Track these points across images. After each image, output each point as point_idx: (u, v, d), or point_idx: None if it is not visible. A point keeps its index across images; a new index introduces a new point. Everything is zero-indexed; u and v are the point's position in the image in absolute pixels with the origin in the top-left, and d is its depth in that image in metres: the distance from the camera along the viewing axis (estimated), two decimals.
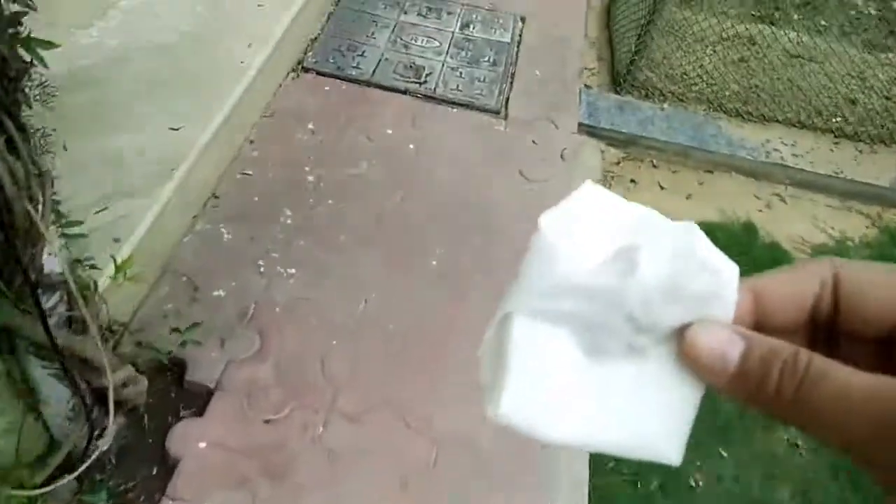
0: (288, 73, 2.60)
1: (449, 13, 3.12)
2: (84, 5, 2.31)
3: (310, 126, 2.42)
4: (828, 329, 0.30)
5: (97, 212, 1.72)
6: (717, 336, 0.28)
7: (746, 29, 3.25)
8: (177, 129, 1.98)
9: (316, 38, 2.81)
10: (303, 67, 2.65)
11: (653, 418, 0.30)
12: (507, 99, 2.72)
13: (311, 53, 2.73)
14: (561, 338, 0.29)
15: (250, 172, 2.22)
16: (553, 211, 0.29)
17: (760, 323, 0.30)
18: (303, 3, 2.66)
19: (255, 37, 2.39)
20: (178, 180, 1.86)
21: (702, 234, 0.29)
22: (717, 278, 0.28)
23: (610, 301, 0.29)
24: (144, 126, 1.96)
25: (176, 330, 1.75)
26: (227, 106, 2.16)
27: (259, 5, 2.52)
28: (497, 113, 2.65)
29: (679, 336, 0.29)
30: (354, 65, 2.71)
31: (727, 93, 2.96)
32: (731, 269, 0.29)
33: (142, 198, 1.79)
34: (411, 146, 2.44)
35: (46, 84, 1.15)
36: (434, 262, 2.07)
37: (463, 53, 2.91)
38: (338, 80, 2.64)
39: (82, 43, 2.18)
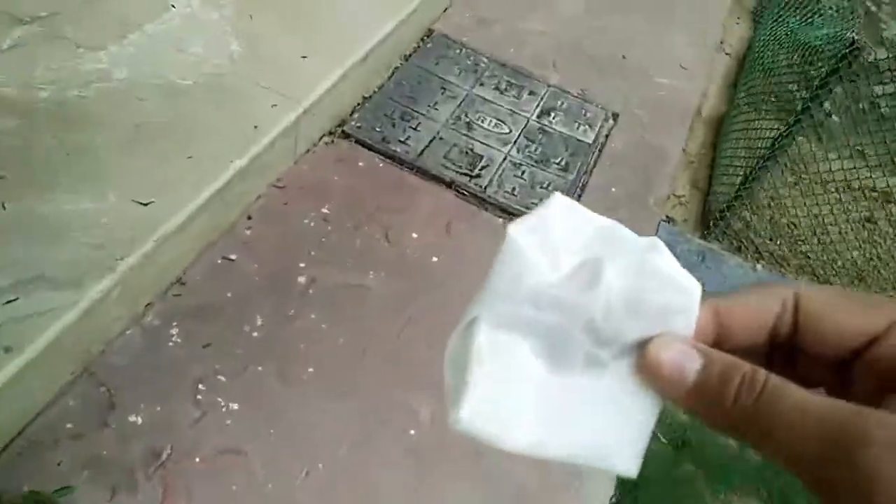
0: (322, 136, 2.24)
1: (531, 93, 2.69)
2: (105, 22, 2.01)
3: (324, 209, 2.04)
4: (786, 350, 0.30)
5: (5, 303, 1.39)
6: (676, 350, 0.29)
7: (885, 182, 2.67)
8: (145, 205, 1.63)
9: (370, 97, 2.44)
10: (343, 131, 2.28)
11: (611, 429, 0.30)
12: None
13: (356, 115, 2.35)
14: (523, 346, 0.30)
15: (233, 257, 1.86)
16: (522, 220, 0.29)
17: (721, 341, 0.30)
18: (362, 55, 2.29)
19: (287, 93, 2.03)
20: (121, 274, 1.52)
21: (667, 251, 0.30)
22: (679, 295, 0.29)
23: (573, 312, 0.29)
24: (108, 191, 1.63)
25: (60, 465, 1.40)
26: (228, 175, 1.81)
27: (303, 56, 2.17)
28: None
29: (640, 350, 0.30)
30: (403, 138, 2.32)
31: (841, 262, 2.41)
32: (693, 286, 0.30)
33: (68, 290, 1.45)
34: (435, 259, 2.03)
35: None
36: (413, 432, 1.65)
37: (532, 147, 2.47)
38: (377, 156, 2.25)
39: (85, 68, 1.88)
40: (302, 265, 1.89)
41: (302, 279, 1.86)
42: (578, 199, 2.34)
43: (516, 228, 0.29)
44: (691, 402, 0.29)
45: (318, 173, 2.15)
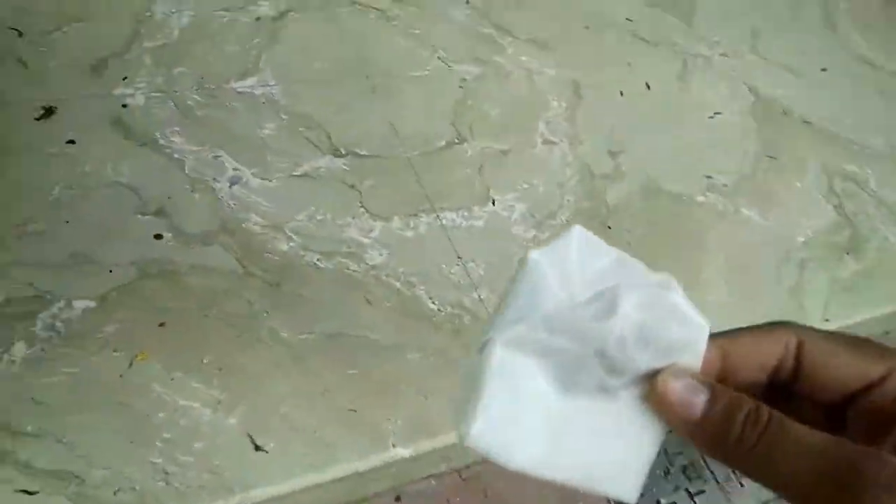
0: None
1: None
2: None
3: None
4: (785, 388, 0.32)
5: None
6: (683, 383, 0.30)
7: None
8: None
9: None
10: None
11: (614, 456, 0.31)
12: None
13: None
14: (535, 369, 0.31)
15: None
16: (542, 248, 0.31)
17: (723, 378, 0.31)
18: None
19: None
20: None
21: (679, 288, 0.31)
22: (689, 330, 0.30)
23: (586, 339, 0.30)
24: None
25: None
26: None
27: None
28: None
29: (648, 380, 0.31)
30: None
31: None
32: (702, 323, 0.30)
33: None
34: None
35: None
36: None
37: None
38: None
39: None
40: None
41: None
42: None
43: (535, 255, 0.31)
44: (696, 433, 0.30)
45: None
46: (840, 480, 0.25)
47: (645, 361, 0.30)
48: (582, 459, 0.31)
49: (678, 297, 0.31)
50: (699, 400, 0.29)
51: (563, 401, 0.31)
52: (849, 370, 0.30)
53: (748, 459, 0.28)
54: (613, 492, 0.31)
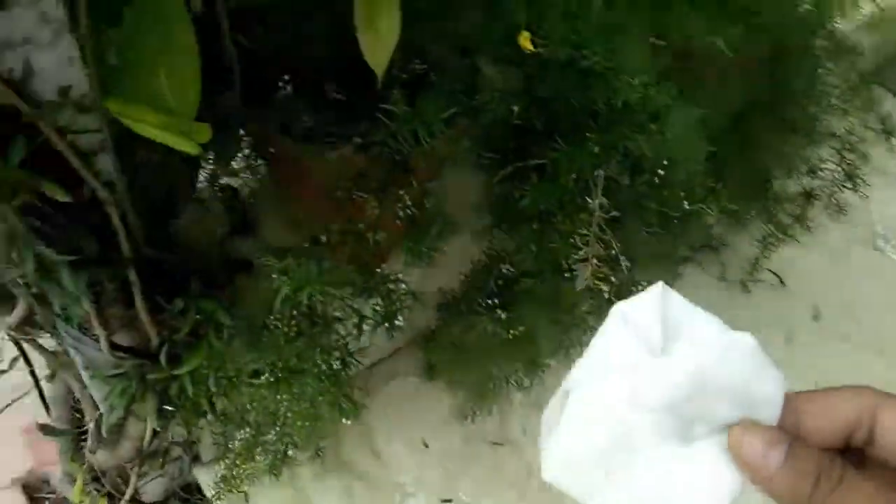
0: None
1: None
2: None
3: None
4: (861, 453, 0.32)
5: None
6: (763, 436, 0.31)
7: None
8: None
9: None
10: None
11: (691, 500, 0.31)
12: None
13: None
14: (613, 417, 0.32)
15: None
16: (628, 301, 0.33)
17: (800, 437, 0.32)
18: None
19: None
20: None
21: (757, 344, 0.32)
22: (768, 385, 0.32)
23: (664, 390, 0.31)
24: None
25: None
26: None
27: None
28: None
29: (725, 431, 0.32)
30: None
31: None
32: (780, 378, 0.32)
33: None
34: None
35: None
36: None
37: None
38: None
39: None
40: None
41: None
42: None
43: (621, 307, 0.33)
44: (772, 486, 0.30)
45: None
46: None
47: (723, 412, 0.31)
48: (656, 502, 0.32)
49: (757, 352, 0.32)
50: (777, 453, 0.30)
51: (639, 447, 0.32)
52: None
53: None
54: None
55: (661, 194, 1.00)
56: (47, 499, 1.30)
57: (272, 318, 0.84)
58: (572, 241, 0.91)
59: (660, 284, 0.33)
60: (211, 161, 0.90)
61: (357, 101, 0.94)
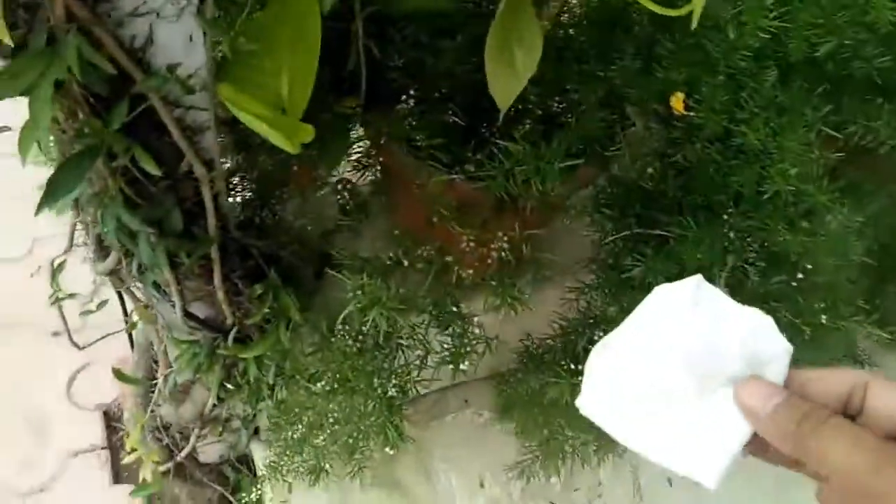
0: None
1: None
2: None
3: None
4: (853, 420, 0.36)
5: None
6: (764, 385, 0.36)
7: None
8: None
9: None
10: None
11: (701, 444, 0.36)
12: None
13: None
14: (643, 366, 0.38)
15: None
16: (668, 285, 0.39)
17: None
18: None
19: None
20: None
21: (772, 321, 0.38)
22: (775, 347, 0.37)
23: (690, 348, 0.37)
24: None
25: None
26: None
27: None
28: None
29: (737, 384, 0.37)
30: None
31: None
32: (787, 345, 0.37)
33: None
34: None
35: None
36: None
37: None
38: None
39: None
40: None
41: None
42: None
43: (660, 287, 0.38)
44: (767, 428, 0.35)
45: None
46: (883, 472, 0.31)
47: (736, 370, 0.36)
48: (672, 442, 0.36)
49: (770, 325, 0.37)
50: (774, 400, 0.35)
51: (666, 394, 0.37)
52: None
53: (806, 447, 0.33)
54: (696, 475, 0.36)
55: (796, 300, 0.87)
56: (123, 429, 1.37)
57: (339, 328, 0.81)
58: None
59: (698, 276, 0.39)
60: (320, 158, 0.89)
61: (480, 127, 0.89)
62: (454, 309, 0.81)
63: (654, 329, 0.38)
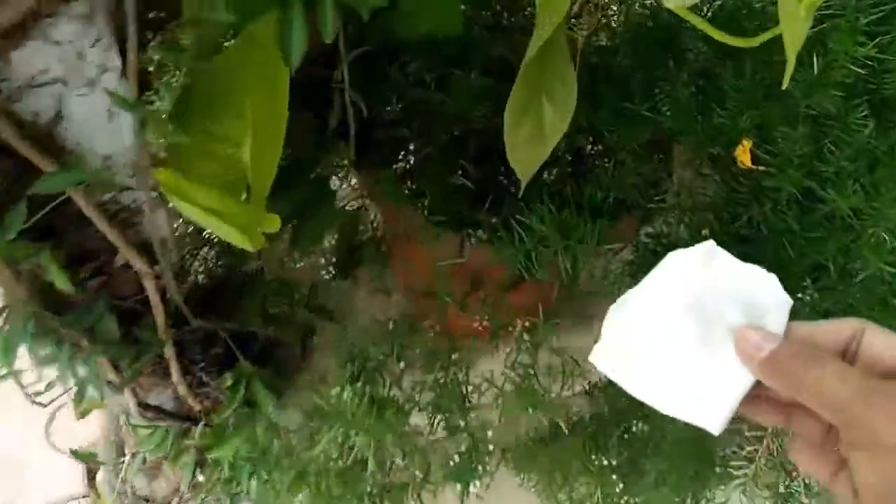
0: None
1: None
2: None
3: None
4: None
5: None
6: (762, 333, 0.37)
7: None
8: None
9: None
10: None
11: (705, 392, 0.38)
12: None
13: None
14: (652, 320, 0.39)
15: None
16: (682, 250, 0.40)
17: None
18: None
19: None
20: None
21: (775, 277, 0.39)
22: (775, 298, 0.39)
23: (697, 301, 0.39)
24: None
25: None
26: None
27: None
28: None
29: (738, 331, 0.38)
30: None
31: None
32: (787, 300, 0.38)
33: None
34: None
35: None
36: None
37: None
38: None
39: None
40: None
41: None
42: None
43: (673, 253, 0.40)
44: (764, 371, 0.36)
45: None
46: (867, 399, 0.33)
47: (737, 319, 0.38)
48: (678, 391, 0.38)
49: (772, 280, 0.39)
50: (770, 344, 0.36)
51: (669, 344, 0.38)
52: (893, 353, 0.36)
53: (798, 377, 0.35)
54: (701, 421, 0.38)
55: None
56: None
57: (320, 439, 0.67)
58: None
59: (710, 241, 0.40)
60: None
61: (497, 177, 0.73)
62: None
63: (666, 286, 0.39)
